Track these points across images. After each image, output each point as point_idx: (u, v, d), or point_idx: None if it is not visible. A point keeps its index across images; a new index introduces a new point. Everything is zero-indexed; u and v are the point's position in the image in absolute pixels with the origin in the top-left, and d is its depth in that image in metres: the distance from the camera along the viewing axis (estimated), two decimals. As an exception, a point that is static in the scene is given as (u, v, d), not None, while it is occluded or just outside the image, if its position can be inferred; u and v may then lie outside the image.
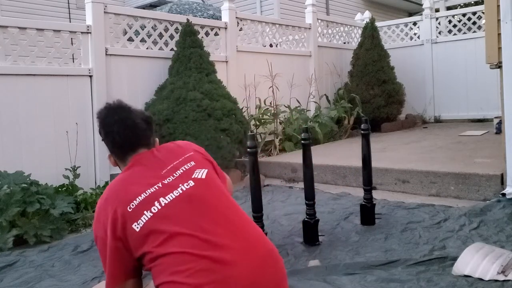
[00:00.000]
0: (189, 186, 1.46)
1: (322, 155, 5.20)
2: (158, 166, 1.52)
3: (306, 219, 2.95)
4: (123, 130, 1.59)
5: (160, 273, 1.31)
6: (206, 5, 9.63)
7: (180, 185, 1.45)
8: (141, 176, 1.48)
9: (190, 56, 4.90)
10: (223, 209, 1.46)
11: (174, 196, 1.42)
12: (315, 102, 7.00)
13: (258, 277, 1.33)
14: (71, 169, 4.17)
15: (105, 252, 1.42)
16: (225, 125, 4.77)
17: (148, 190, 1.42)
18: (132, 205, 1.39)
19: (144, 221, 1.36)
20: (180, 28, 5.16)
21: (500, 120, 4.07)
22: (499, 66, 3.46)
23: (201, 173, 1.52)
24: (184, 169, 1.52)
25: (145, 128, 1.65)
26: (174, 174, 1.49)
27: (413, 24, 8.50)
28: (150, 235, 1.35)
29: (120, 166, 1.65)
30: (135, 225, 1.36)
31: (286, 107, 6.32)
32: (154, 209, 1.38)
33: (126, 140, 1.59)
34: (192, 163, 1.55)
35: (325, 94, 7.22)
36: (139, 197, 1.41)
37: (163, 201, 1.40)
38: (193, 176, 1.49)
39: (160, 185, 1.44)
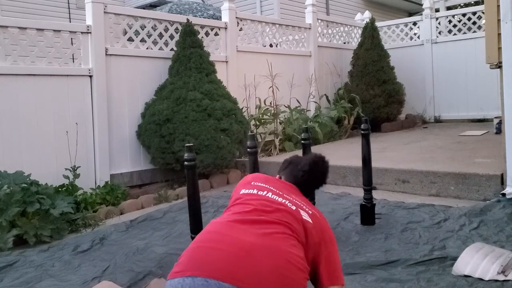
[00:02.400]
0: (288, 205, 1.67)
1: (322, 155, 5.19)
2: (292, 193, 1.81)
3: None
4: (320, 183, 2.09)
5: None
6: (206, 5, 9.63)
7: (286, 202, 1.68)
8: (273, 186, 1.82)
9: (190, 56, 4.90)
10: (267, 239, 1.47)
11: (273, 197, 1.69)
12: (315, 102, 7.00)
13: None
14: (71, 169, 4.17)
15: None
16: (225, 125, 4.77)
17: (268, 189, 1.77)
18: (254, 183, 1.83)
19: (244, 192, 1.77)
20: (180, 28, 5.16)
21: (500, 120, 4.07)
22: (499, 66, 3.46)
23: (304, 215, 1.64)
24: (301, 204, 1.72)
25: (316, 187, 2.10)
26: (291, 198, 1.73)
27: (413, 24, 8.50)
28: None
29: None
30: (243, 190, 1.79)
31: (286, 107, 6.33)
32: (254, 191, 1.74)
33: (306, 184, 1.99)
34: (310, 211, 1.70)
35: (325, 94, 7.22)
36: (262, 184, 1.81)
37: (266, 194, 1.72)
38: (298, 208, 1.66)
39: (278, 191, 1.75)
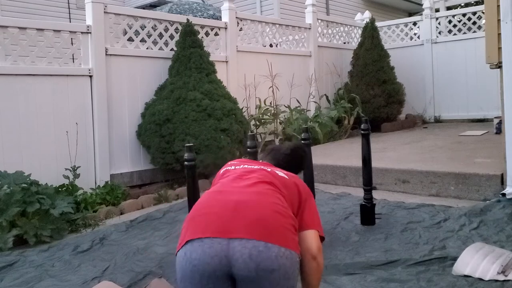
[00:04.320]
0: (263, 170, 1.84)
1: (322, 155, 5.20)
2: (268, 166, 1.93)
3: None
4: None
5: None
6: (206, 5, 9.63)
7: (258, 170, 1.83)
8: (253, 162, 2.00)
9: (190, 56, 4.90)
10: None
11: (246, 167, 1.86)
12: (315, 102, 7.00)
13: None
14: (71, 169, 4.17)
15: None
16: (225, 125, 4.77)
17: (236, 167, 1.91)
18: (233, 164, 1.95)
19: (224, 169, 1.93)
20: (180, 28, 5.16)
21: (500, 120, 4.08)
22: (499, 66, 3.46)
23: (280, 173, 1.85)
24: (274, 171, 1.86)
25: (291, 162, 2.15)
26: (264, 167, 1.87)
27: (413, 24, 8.50)
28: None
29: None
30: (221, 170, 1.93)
31: (286, 107, 6.33)
32: (232, 167, 1.91)
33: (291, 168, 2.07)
34: (284, 176, 1.85)
35: (325, 94, 7.22)
36: (239, 166, 1.91)
37: (240, 166, 1.89)
38: (274, 170, 1.86)
39: (252, 167, 1.88)
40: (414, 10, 14.75)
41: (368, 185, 3.26)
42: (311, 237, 1.69)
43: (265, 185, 1.70)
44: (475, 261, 2.31)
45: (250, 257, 1.44)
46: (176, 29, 5.30)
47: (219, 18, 6.75)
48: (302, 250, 1.63)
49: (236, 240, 1.45)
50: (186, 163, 2.42)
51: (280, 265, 1.46)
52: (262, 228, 1.49)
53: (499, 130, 5.37)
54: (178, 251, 1.55)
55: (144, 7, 11.01)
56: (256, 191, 1.64)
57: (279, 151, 2.14)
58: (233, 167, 1.91)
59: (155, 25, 5.30)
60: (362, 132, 3.27)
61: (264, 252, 1.45)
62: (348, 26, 8.31)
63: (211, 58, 5.14)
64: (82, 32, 4.58)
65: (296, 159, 2.15)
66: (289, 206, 1.67)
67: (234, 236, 1.46)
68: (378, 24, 7.84)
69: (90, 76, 4.61)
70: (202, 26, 5.60)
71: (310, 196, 1.84)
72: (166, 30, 5.33)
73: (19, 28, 4.20)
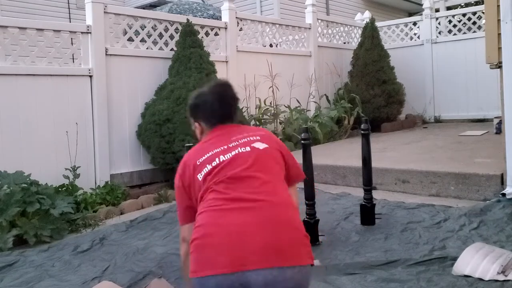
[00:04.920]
0: (244, 151, 1.72)
1: (322, 155, 5.19)
2: (231, 135, 1.80)
3: (306, 219, 2.95)
4: (228, 108, 1.90)
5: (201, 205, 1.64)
6: (206, 5, 9.63)
7: (239, 148, 1.72)
8: (215, 143, 1.78)
9: (190, 56, 4.90)
10: (263, 177, 1.66)
11: (229, 156, 1.70)
12: (315, 102, 7.00)
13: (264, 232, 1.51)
14: (71, 169, 4.17)
15: (179, 196, 1.78)
16: (225, 125, 4.76)
17: (215, 150, 1.73)
18: (200, 160, 1.73)
19: (204, 172, 1.68)
20: (180, 28, 5.16)
21: (500, 120, 4.08)
22: (499, 66, 3.46)
23: (261, 146, 1.75)
24: (248, 140, 1.77)
25: (236, 106, 1.94)
26: (239, 141, 1.76)
27: (413, 24, 8.50)
28: (203, 185, 1.67)
29: (203, 135, 1.95)
30: (199, 175, 1.69)
31: (286, 107, 6.32)
32: (213, 164, 1.68)
33: (224, 116, 1.88)
34: (258, 138, 1.78)
35: (325, 94, 7.22)
36: (207, 154, 1.73)
37: (221, 158, 1.70)
38: (252, 145, 1.74)
39: (225, 147, 1.74)
40: (414, 10, 14.75)
41: (368, 185, 3.26)
42: (294, 194, 1.84)
43: (267, 182, 1.64)
44: (475, 261, 2.30)
45: (265, 284, 1.44)
46: (176, 29, 5.30)
47: (219, 18, 6.74)
48: None
49: (251, 271, 1.44)
50: (186, 163, 2.42)
51: (295, 283, 1.48)
52: (275, 253, 1.47)
53: (499, 130, 5.37)
54: (192, 276, 1.54)
55: (144, 7, 11.01)
56: (269, 201, 1.59)
57: (205, 106, 1.91)
58: (208, 168, 1.70)
59: (155, 25, 5.30)
60: (362, 132, 3.27)
61: (278, 276, 1.45)
62: (348, 26, 8.31)
63: (211, 58, 5.14)
64: (82, 32, 4.58)
65: (222, 97, 1.90)
66: (282, 172, 1.74)
67: (248, 269, 1.44)
68: (378, 24, 7.84)
69: (90, 76, 4.61)
70: (202, 26, 5.60)
71: (284, 147, 1.84)
72: (166, 30, 5.33)
73: (19, 28, 4.20)
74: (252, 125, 5.82)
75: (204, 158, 1.73)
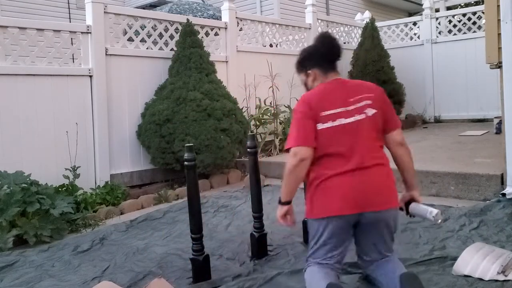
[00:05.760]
0: (360, 118, 2.09)
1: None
2: (349, 94, 2.14)
3: (306, 219, 2.94)
4: (336, 49, 2.25)
5: (317, 166, 2.08)
6: (206, 5, 9.63)
7: (356, 115, 2.08)
8: (334, 97, 2.12)
9: (190, 56, 4.90)
10: (365, 142, 2.10)
11: (349, 121, 2.07)
12: (315, 102, 6.98)
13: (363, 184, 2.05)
14: (71, 169, 4.17)
15: (303, 120, 2.09)
16: (225, 125, 4.77)
17: (337, 110, 2.08)
18: (324, 113, 2.08)
19: (325, 127, 2.06)
20: (180, 28, 5.16)
21: (500, 120, 4.07)
22: (499, 66, 3.46)
23: (371, 112, 2.11)
24: (364, 104, 2.11)
25: (341, 50, 2.28)
26: (356, 105, 2.10)
27: (413, 24, 8.50)
28: (322, 138, 2.06)
29: (315, 83, 2.27)
30: (320, 125, 2.06)
31: (286, 107, 6.32)
32: (334, 123, 2.06)
33: (334, 56, 2.24)
34: (369, 102, 2.12)
35: (325, 94, 7.20)
36: (330, 111, 2.08)
37: (342, 121, 2.07)
38: (365, 111, 2.10)
39: (344, 109, 2.09)
40: (414, 10, 14.75)
41: (368, 185, 3.26)
42: (398, 133, 2.21)
43: (375, 149, 2.12)
44: (475, 261, 2.30)
45: (379, 219, 2.06)
46: (176, 29, 5.30)
47: (219, 18, 6.74)
48: (390, 144, 2.21)
49: (366, 213, 2.02)
50: (186, 163, 2.42)
51: (394, 216, 2.15)
52: (383, 199, 2.07)
53: (499, 130, 5.37)
54: (315, 217, 2.09)
55: (144, 7, 11.01)
56: (375, 170, 2.09)
57: (318, 51, 2.27)
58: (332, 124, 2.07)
59: (155, 25, 5.30)
60: (362, 132, 3.27)
61: (387, 214, 2.08)
62: (348, 26, 8.31)
63: (211, 58, 5.14)
64: (82, 32, 4.58)
65: (329, 41, 2.27)
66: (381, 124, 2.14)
67: (365, 210, 2.02)
68: (378, 24, 7.84)
69: (90, 76, 4.61)
70: (202, 26, 5.60)
71: (385, 98, 2.22)
72: (166, 30, 5.33)
73: (19, 28, 4.20)
74: (252, 125, 5.83)
75: (327, 113, 2.07)
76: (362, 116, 2.08)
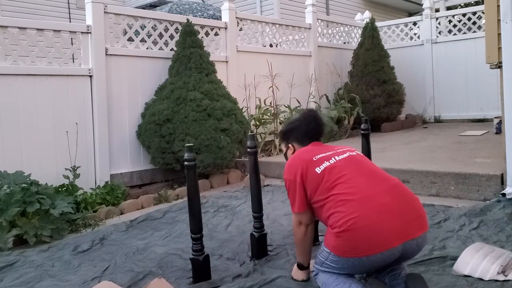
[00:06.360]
0: (351, 154, 2.16)
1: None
2: (327, 148, 2.23)
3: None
4: (318, 128, 2.36)
5: (330, 205, 1.99)
6: (206, 5, 9.63)
7: (347, 153, 2.17)
8: (317, 150, 2.21)
9: (190, 56, 4.90)
10: (370, 167, 2.13)
11: (343, 156, 2.13)
12: (315, 102, 7.00)
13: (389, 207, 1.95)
14: (71, 169, 4.17)
15: (294, 190, 2.14)
16: (225, 125, 4.77)
17: (326, 153, 2.16)
18: (316, 157, 2.13)
19: (323, 167, 2.08)
20: (180, 28, 5.16)
21: (500, 120, 4.08)
22: (499, 66, 3.46)
23: (355, 153, 2.20)
24: (345, 149, 2.21)
25: (324, 127, 2.42)
26: (339, 150, 2.19)
27: (413, 24, 8.50)
28: (324, 178, 2.05)
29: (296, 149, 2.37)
30: (317, 169, 2.08)
31: (286, 107, 6.32)
32: (331, 162, 2.10)
33: (316, 134, 2.35)
34: (347, 149, 2.22)
35: (325, 94, 7.22)
36: (321, 155, 2.15)
37: (337, 158, 2.12)
38: (351, 153, 2.18)
39: (332, 152, 2.17)
40: (414, 10, 14.76)
41: (368, 185, 3.26)
42: None
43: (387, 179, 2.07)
44: (475, 261, 2.30)
45: (417, 245, 1.95)
46: (176, 29, 5.30)
47: (219, 18, 6.75)
48: None
49: (408, 241, 1.89)
50: (186, 163, 2.42)
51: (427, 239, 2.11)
52: (420, 223, 1.97)
53: (499, 130, 5.37)
54: (350, 257, 1.91)
55: (144, 7, 11.02)
56: (398, 192, 2.03)
57: (300, 128, 2.34)
58: (330, 162, 2.09)
59: (155, 25, 5.30)
60: (362, 132, 3.27)
61: (424, 238, 1.98)
62: (348, 26, 8.31)
63: (211, 58, 5.14)
64: (82, 32, 4.58)
65: (315, 120, 2.36)
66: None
67: (406, 240, 1.88)
68: (378, 24, 7.84)
69: (90, 76, 4.61)
70: (202, 26, 5.60)
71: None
72: (166, 30, 5.33)
73: (19, 28, 4.20)
74: (252, 125, 5.83)
75: (319, 156, 2.13)
76: (353, 153, 2.18)
